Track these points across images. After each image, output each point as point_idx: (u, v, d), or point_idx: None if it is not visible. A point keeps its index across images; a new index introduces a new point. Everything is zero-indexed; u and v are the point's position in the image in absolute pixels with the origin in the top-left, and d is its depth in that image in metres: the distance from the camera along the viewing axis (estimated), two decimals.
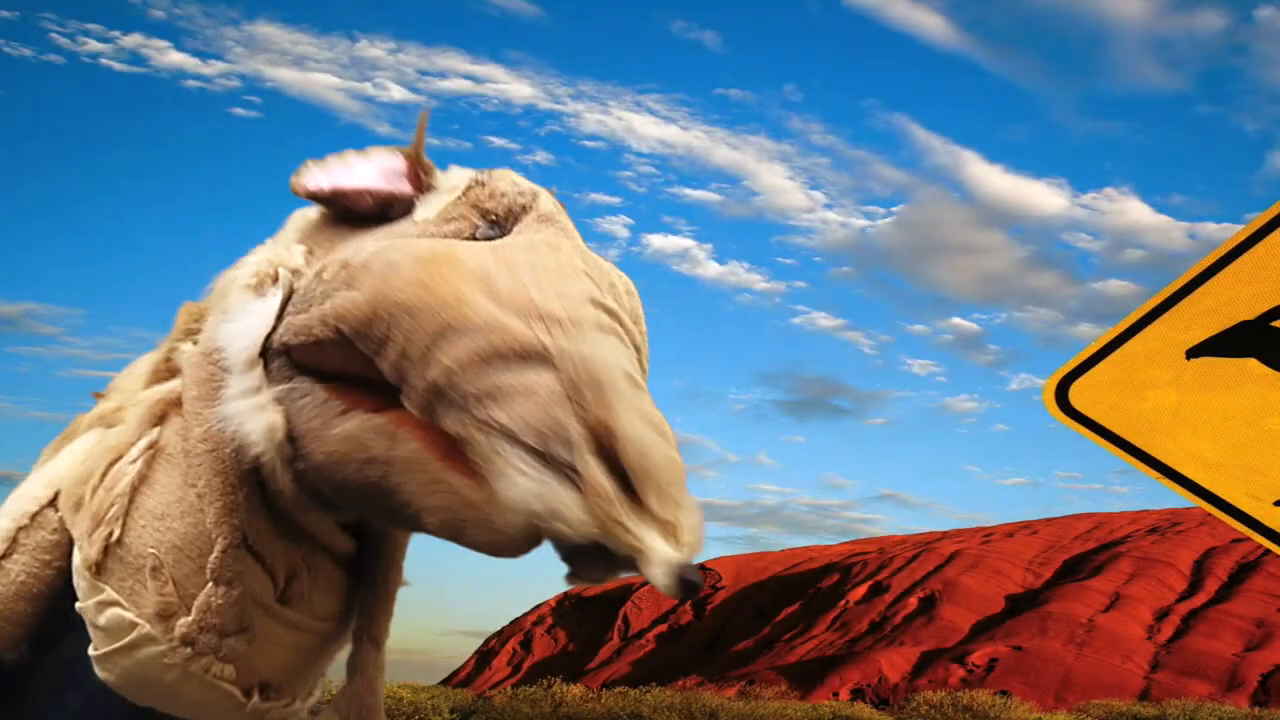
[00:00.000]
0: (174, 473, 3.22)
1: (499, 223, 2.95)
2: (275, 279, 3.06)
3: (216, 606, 3.17)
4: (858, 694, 30.88)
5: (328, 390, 2.86)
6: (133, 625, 3.11)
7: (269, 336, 2.94)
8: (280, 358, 2.92)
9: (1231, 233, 3.28)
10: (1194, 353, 3.22)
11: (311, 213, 3.35)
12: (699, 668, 37.82)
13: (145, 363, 3.64)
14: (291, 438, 2.88)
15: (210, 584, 3.11)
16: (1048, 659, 31.98)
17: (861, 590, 41.94)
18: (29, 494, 3.38)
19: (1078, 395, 3.32)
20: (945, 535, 48.89)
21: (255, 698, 3.21)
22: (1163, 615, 36.03)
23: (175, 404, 3.23)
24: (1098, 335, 3.36)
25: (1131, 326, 3.31)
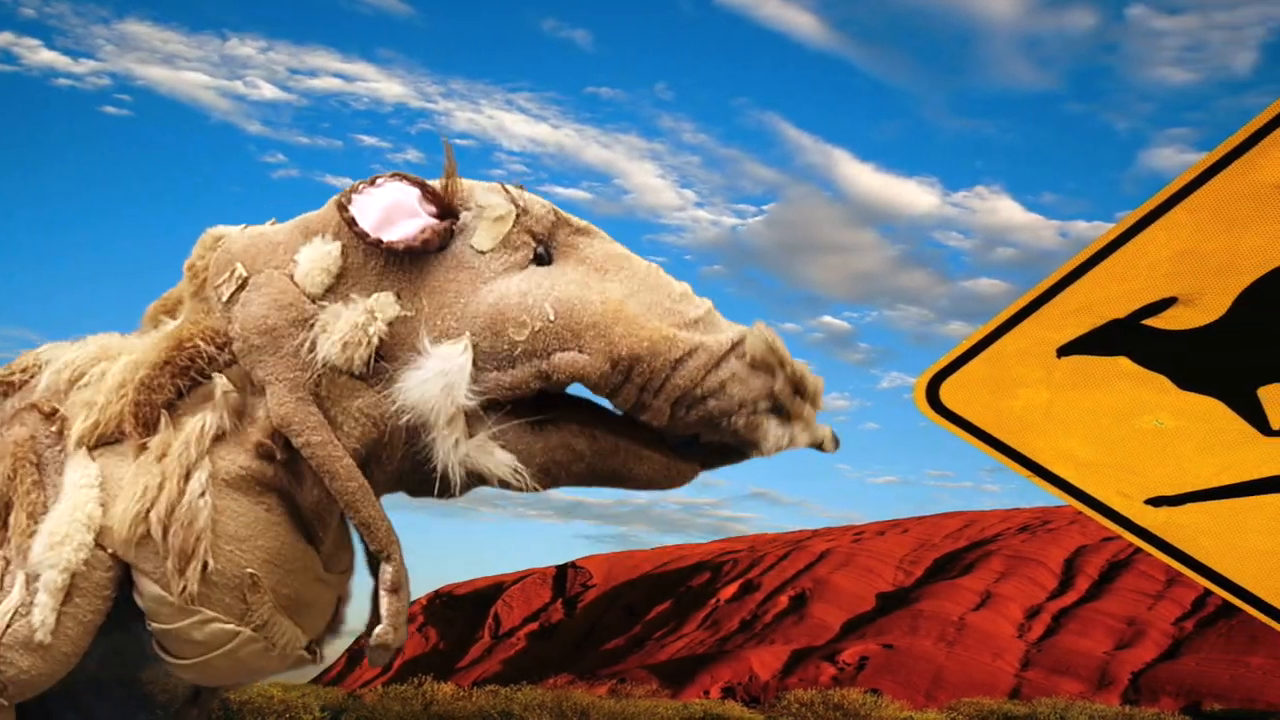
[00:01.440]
0: (239, 498, 3.60)
1: (543, 240, 3.75)
2: (387, 333, 3.59)
3: (401, 610, 3.64)
4: (728, 692, 30.91)
5: (506, 416, 3.60)
6: (234, 633, 3.54)
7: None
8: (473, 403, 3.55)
9: (1102, 231, 3.28)
10: (1065, 351, 3.22)
11: (331, 248, 3.74)
12: (570, 666, 37.70)
13: (117, 376, 3.85)
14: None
15: (390, 596, 3.59)
16: (918, 657, 32.15)
17: (732, 589, 41.99)
18: (71, 539, 3.53)
19: (949, 393, 3.32)
20: (816, 533, 48.95)
21: (316, 653, 3.83)
22: (1034, 613, 36.34)
23: (219, 438, 3.63)
24: (969, 333, 3.35)
25: (1002, 325, 3.31)
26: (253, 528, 3.57)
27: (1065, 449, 3.19)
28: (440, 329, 3.54)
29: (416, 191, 3.72)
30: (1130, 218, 3.21)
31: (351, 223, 3.60)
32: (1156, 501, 3.08)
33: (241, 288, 3.77)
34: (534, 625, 47.35)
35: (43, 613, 3.47)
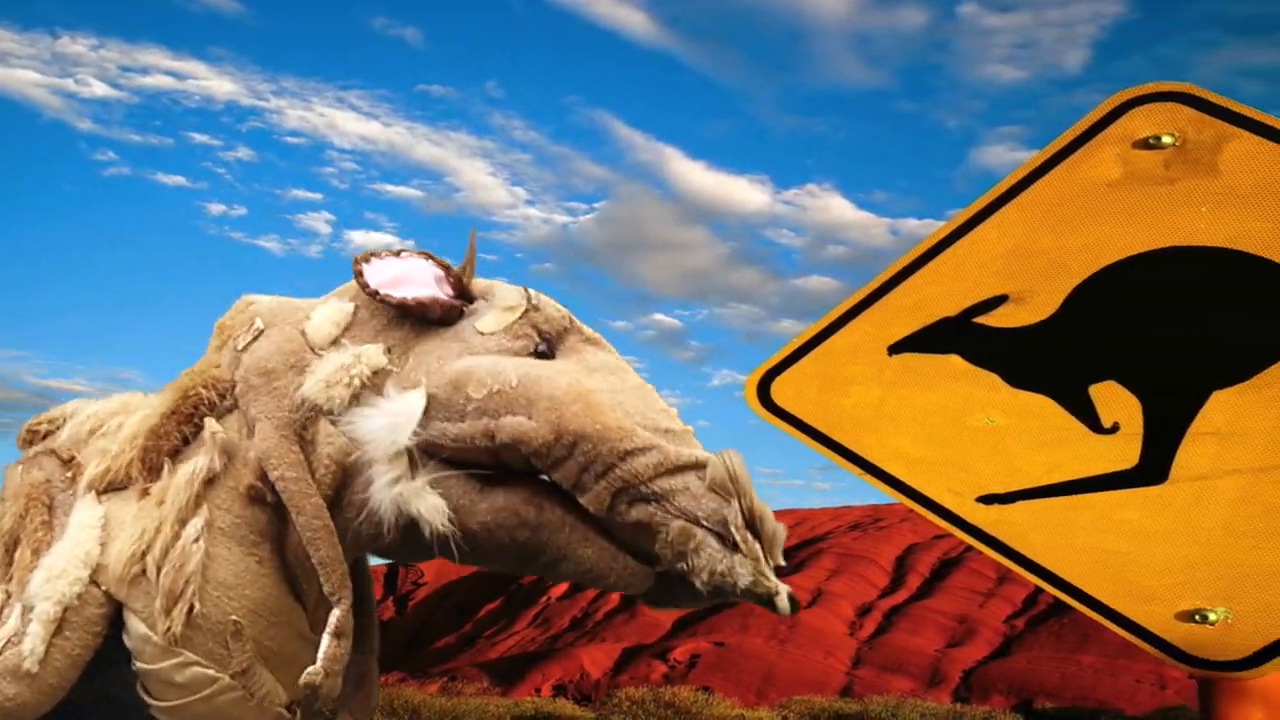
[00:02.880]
0: (232, 546, 3.67)
1: (550, 340, 3.74)
2: (370, 379, 3.65)
3: (340, 656, 3.62)
4: (560, 690, 30.97)
5: (465, 473, 3.55)
6: (214, 679, 3.58)
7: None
8: (414, 450, 3.52)
9: (933, 229, 3.31)
10: (896, 349, 3.23)
11: (345, 306, 3.89)
12: (401, 664, 37.53)
13: (132, 427, 3.94)
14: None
15: (331, 639, 3.60)
16: (749, 655, 32.43)
17: (563, 586, 42.05)
18: (67, 574, 3.62)
19: (780, 391, 3.32)
20: None
21: (296, 712, 3.78)
22: (865, 611, 36.81)
23: (212, 483, 3.69)
24: (800, 331, 3.36)
25: (834, 323, 3.32)
26: (241, 577, 3.65)
27: (896, 446, 3.20)
28: (410, 382, 3.62)
29: (439, 271, 3.82)
30: (961, 215, 3.23)
31: (359, 274, 3.68)
32: (988, 499, 3.10)
33: (256, 339, 3.94)
34: None
35: (33, 642, 3.57)
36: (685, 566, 3.30)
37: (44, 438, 4.18)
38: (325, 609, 3.72)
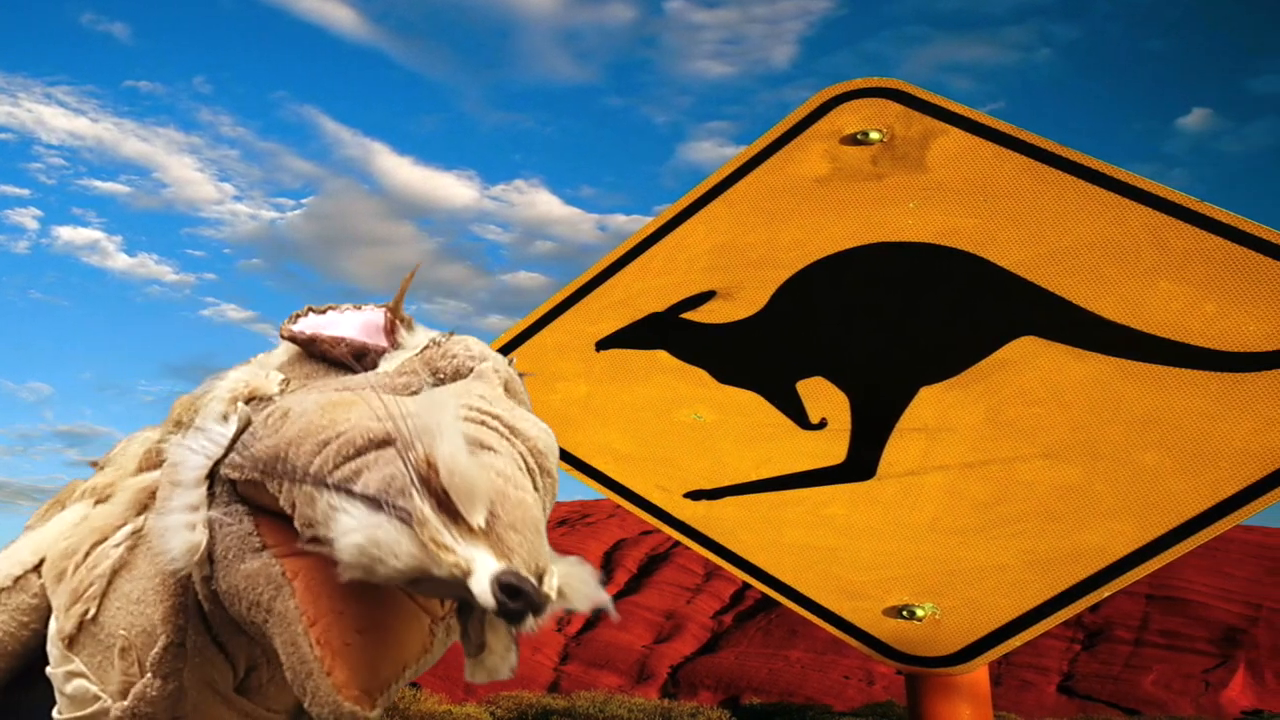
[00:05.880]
0: (151, 560, 3.18)
1: (444, 381, 2.87)
2: (247, 402, 3.00)
3: (151, 697, 3.09)
4: None
5: (254, 523, 2.75)
6: (96, 698, 3.14)
7: (219, 461, 2.88)
8: (227, 483, 2.82)
9: (641, 224, 3.29)
10: (604, 345, 3.22)
11: (291, 346, 3.37)
12: None
13: (139, 444, 3.59)
14: (211, 560, 2.78)
15: (149, 675, 3.04)
16: (456, 650, 31.99)
17: None
18: (14, 557, 3.45)
19: None
20: None
21: None
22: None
23: (155, 494, 3.19)
24: (508, 327, 3.34)
25: (541, 318, 3.30)
26: (147, 593, 3.16)
27: (604, 442, 3.18)
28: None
29: (378, 319, 3.31)
30: (669, 211, 3.23)
31: (289, 320, 3.41)
32: (695, 495, 3.09)
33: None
34: None
35: None
36: (340, 557, 2.10)
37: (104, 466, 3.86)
38: (273, 683, 3.31)
